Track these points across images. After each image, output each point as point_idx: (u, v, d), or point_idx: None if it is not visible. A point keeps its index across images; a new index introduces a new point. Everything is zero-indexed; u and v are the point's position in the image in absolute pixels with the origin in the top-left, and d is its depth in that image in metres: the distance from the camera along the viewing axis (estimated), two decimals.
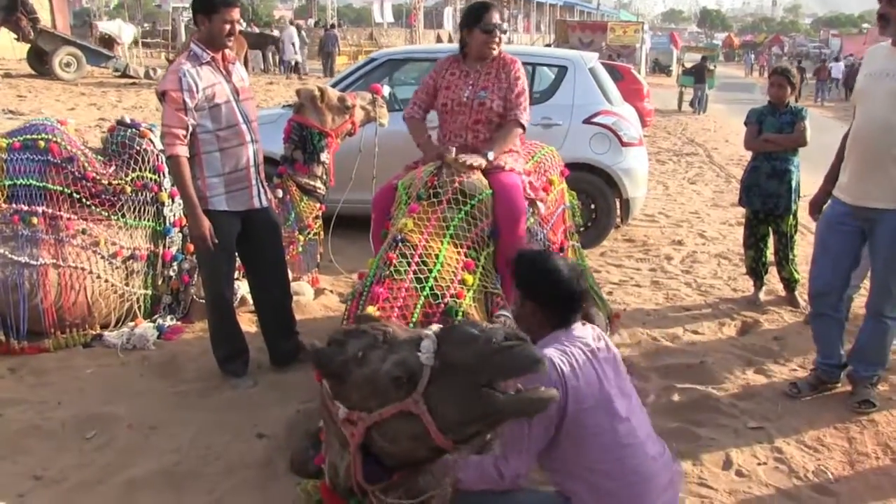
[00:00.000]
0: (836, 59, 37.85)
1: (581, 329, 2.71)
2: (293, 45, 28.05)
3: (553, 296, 2.68)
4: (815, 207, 4.47)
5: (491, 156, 3.97)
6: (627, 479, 2.53)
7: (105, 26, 27.69)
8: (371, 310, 3.02)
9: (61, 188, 4.81)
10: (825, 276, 4.25)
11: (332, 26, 31.78)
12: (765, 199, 5.72)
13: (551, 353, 2.51)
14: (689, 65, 28.65)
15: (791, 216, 5.75)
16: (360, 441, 2.42)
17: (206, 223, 4.04)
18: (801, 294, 5.70)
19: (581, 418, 2.50)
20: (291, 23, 32.15)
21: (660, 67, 40.84)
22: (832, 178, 4.31)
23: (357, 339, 2.46)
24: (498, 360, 2.21)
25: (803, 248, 6.19)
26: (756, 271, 6.00)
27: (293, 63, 28.02)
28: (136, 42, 28.47)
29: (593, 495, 2.54)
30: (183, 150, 3.99)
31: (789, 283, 5.93)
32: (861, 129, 3.99)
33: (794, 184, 5.65)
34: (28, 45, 21.58)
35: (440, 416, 2.30)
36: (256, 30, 31.71)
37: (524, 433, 2.49)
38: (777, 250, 5.91)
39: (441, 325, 2.44)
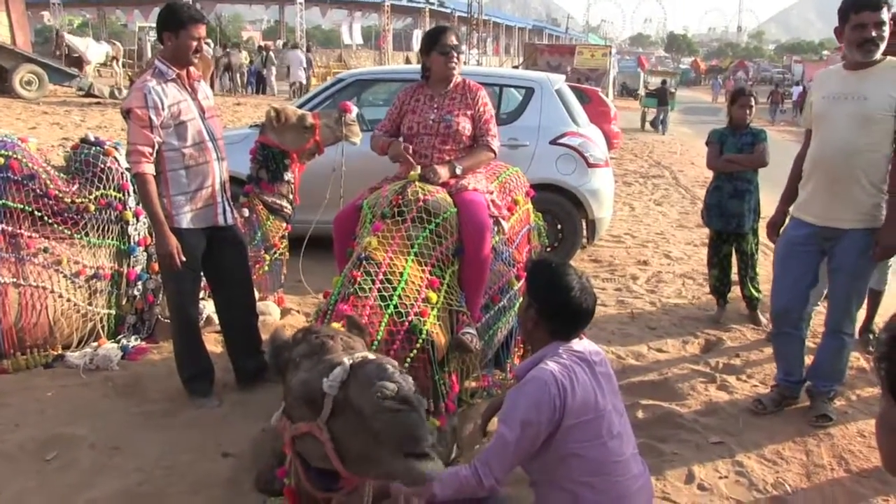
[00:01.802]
0: (797, 84, 38.86)
1: (580, 343, 2.74)
2: (303, 67, 28.33)
3: (561, 309, 2.70)
4: (774, 229, 4.53)
5: (459, 169, 4.03)
6: (611, 495, 2.56)
7: (73, 40, 27.41)
8: (336, 326, 3.02)
9: (22, 206, 4.73)
10: (786, 295, 4.31)
11: (309, 49, 31.83)
12: (727, 218, 5.84)
13: (552, 368, 2.55)
14: (651, 87, 29.45)
15: (752, 235, 5.89)
16: (291, 448, 2.46)
17: (174, 241, 4.02)
18: (763, 312, 5.81)
19: (575, 431, 2.53)
20: (295, 46, 32.24)
21: (627, 91, 41.37)
22: (788, 198, 4.40)
23: (306, 343, 2.48)
24: (378, 419, 2.15)
25: (765, 267, 6.29)
26: (719, 290, 6.11)
27: (298, 84, 28.07)
28: (115, 59, 28.21)
29: None
30: (149, 168, 3.98)
31: (751, 301, 6.02)
32: (824, 151, 4.06)
33: (754, 203, 5.79)
34: None
35: (342, 448, 2.29)
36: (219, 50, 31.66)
37: (510, 441, 2.50)
38: (739, 269, 6.03)
39: (364, 355, 2.37)
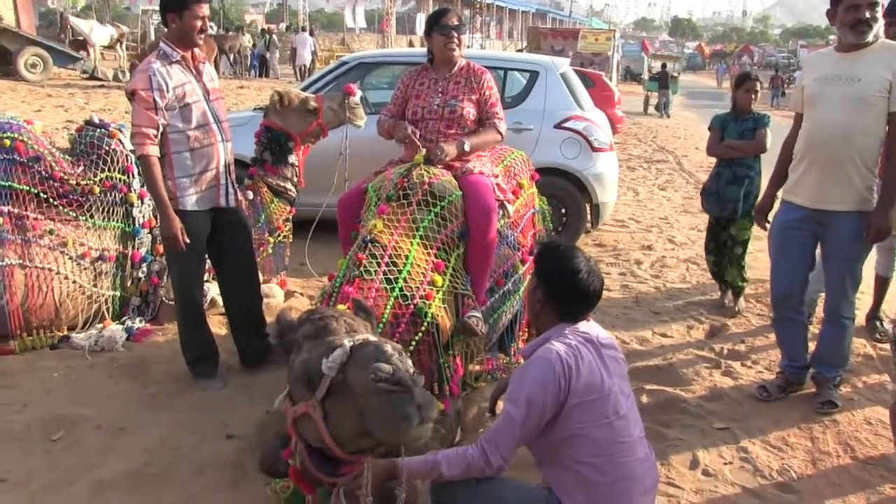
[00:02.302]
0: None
1: (586, 325, 2.75)
2: (311, 50, 28.38)
3: (568, 291, 2.71)
4: (762, 214, 4.55)
5: (467, 145, 4.01)
6: (615, 476, 2.56)
7: (77, 23, 27.31)
8: (342, 308, 3.01)
9: (27, 188, 4.74)
10: (785, 280, 4.32)
11: (311, 32, 31.80)
12: (724, 204, 5.75)
13: (558, 348, 2.57)
14: (654, 72, 29.61)
15: (748, 221, 5.71)
16: (294, 430, 2.49)
17: (178, 223, 4.02)
18: (763, 301, 5.78)
19: (580, 411, 2.53)
20: (304, 29, 32.20)
21: (631, 75, 41.23)
22: (777, 183, 4.40)
23: (310, 324, 2.49)
24: (372, 399, 2.18)
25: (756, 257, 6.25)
26: (719, 275, 6.07)
27: (303, 67, 28.10)
28: (119, 42, 28.11)
29: (580, 488, 2.57)
30: (153, 150, 3.97)
31: (733, 287, 5.96)
32: (818, 133, 4.05)
33: (755, 189, 5.67)
34: None
35: (333, 426, 2.32)
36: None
37: (517, 420, 2.52)
38: (727, 253, 5.92)
39: (364, 337, 2.40)
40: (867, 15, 3.84)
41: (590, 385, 2.55)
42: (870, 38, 3.92)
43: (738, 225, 5.77)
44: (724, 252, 5.95)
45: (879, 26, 4.01)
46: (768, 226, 4.45)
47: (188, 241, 4.06)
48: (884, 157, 4.01)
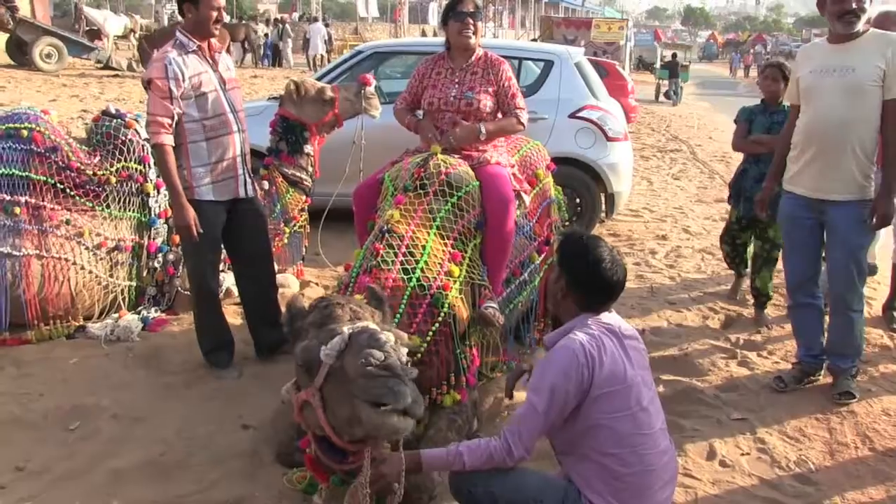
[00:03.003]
0: None
1: (609, 316, 2.74)
2: (325, 40, 28.50)
3: (590, 281, 2.70)
4: (763, 205, 4.58)
5: (482, 131, 3.98)
6: (637, 467, 2.56)
7: (91, 13, 27.39)
8: (358, 298, 3.01)
9: (45, 178, 4.76)
10: (798, 268, 4.32)
11: (327, 23, 31.89)
12: (749, 204, 5.18)
13: (581, 338, 2.56)
14: (665, 60, 30.21)
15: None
16: (301, 418, 2.53)
17: (191, 213, 4.02)
18: (779, 291, 5.66)
19: (603, 402, 2.53)
20: (316, 19, 32.29)
21: (644, 64, 40.98)
22: (777, 174, 4.39)
23: (318, 312, 2.51)
24: (360, 382, 2.24)
25: None
26: (731, 264, 5.87)
27: (317, 57, 28.21)
28: (133, 32, 28.18)
29: (602, 479, 2.56)
30: (168, 139, 3.98)
31: (759, 295, 5.47)
32: (815, 124, 4.05)
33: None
34: (7, 35, 21.27)
35: (331, 414, 2.36)
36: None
37: (540, 411, 2.52)
38: (757, 257, 5.47)
39: (364, 325, 2.42)
40: (854, 6, 3.85)
41: (613, 375, 2.54)
42: (859, 27, 3.92)
43: (775, 227, 5.14)
44: (741, 252, 5.67)
45: (869, 15, 4.02)
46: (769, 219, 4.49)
47: (202, 230, 4.06)
48: (881, 146, 4.01)
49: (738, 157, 5.84)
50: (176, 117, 3.99)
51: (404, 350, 2.36)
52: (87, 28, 25.86)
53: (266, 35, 31.58)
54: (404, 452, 2.59)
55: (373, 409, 2.26)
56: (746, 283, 5.79)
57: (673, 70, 25.96)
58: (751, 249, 5.66)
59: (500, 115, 4.16)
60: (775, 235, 5.22)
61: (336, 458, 2.55)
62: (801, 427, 3.98)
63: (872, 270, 5.36)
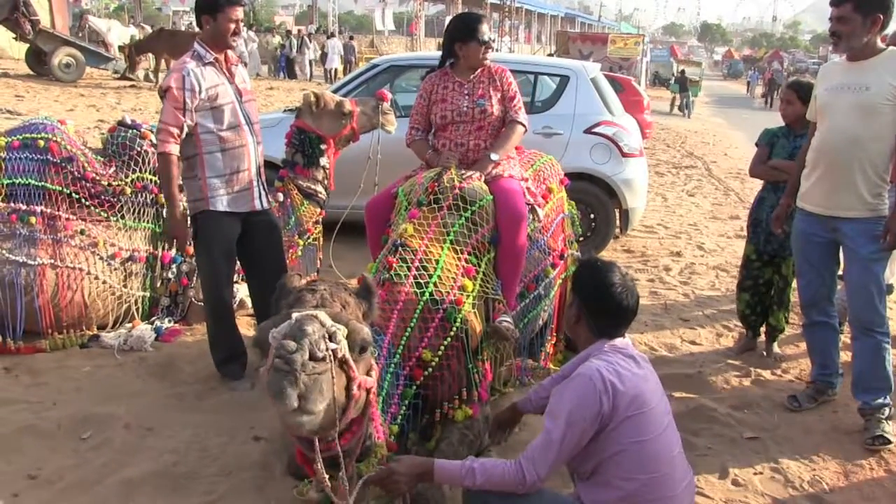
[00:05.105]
0: None
1: (623, 341, 2.74)
2: (340, 55, 29.78)
3: (603, 307, 2.71)
4: (778, 222, 4.53)
5: (495, 157, 4.02)
6: (658, 493, 2.54)
7: (96, 23, 27.61)
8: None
9: (60, 188, 4.80)
10: (812, 286, 4.28)
11: (351, 37, 32.50)
12: (768, 237, 4.86)
13: (598, 365, 2.55)
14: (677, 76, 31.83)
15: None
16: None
17: (184, 225, 4.13)
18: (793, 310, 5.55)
19: (623, 427, 2.50)
20: (333, 34, 32.89)
21: (660, 80, 41.02)
22: (793, 192, 4.35)
23: (294, 294, 2.48)
24: (269, 376, 2.16)
25: None
26: (748, 319, 5.20)
27: (333, 71, 29.41)
28: None
29: None
30: (174, 149, 4.01)
31: (773, 331, 5.12)
32: (827, 142, 4.04)
33: None
34: (27, 45, 21.47)
35: None
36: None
37: (556, 439, 2.49)
38: (774, 294, 5.09)
39: (309, 312, 2.31)
40: (834, 29, 3.92)
41: (633, 401, 2.51)
42: (841, 47, 3.96)
43: (788, 263, 4.88)
44: (761, 294, 5.09)
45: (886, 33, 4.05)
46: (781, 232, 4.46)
47: (206, 241, 4.14)
48: (895, 164, 4.00)
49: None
50: (187, 129, 4.02)
51: (343, 344, 2.27)
52: (96, 39, 26.11)
53: (282, 46, 31.78)
54: (417, 458, 2.57)
55: (275, 403, 2.20)
56: (759, 341, 5.28)
57: (683, 84, 27.91)
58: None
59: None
60: (788, 272, 4.94)
61: (308, 447, 2.50)
62: (814, 446, 3.94)
63: (888, 290, 5.29)
